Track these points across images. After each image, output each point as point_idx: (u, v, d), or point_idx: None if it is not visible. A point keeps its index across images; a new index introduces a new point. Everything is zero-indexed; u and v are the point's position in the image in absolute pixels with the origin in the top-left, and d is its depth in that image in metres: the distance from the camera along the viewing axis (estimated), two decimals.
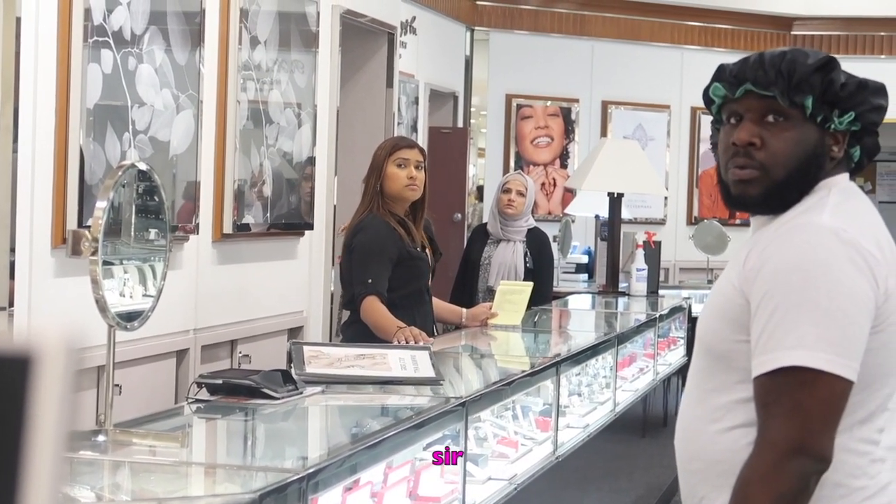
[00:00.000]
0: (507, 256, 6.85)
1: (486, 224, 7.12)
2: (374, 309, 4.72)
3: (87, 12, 4.54)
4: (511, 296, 5.54)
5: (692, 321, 7.72)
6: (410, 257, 4.90)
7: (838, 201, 2.25)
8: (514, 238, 6.87)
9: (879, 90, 2.31)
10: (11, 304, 4.21)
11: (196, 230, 5.39)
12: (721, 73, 2.32)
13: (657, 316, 6.81)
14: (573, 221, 9.81)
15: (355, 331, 4.81)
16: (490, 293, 6.77)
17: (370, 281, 4.76)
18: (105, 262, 2.85)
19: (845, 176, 2.33)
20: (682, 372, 7.33)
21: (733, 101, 2.30)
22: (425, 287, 5.05)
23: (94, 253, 2.81)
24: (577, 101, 12.06)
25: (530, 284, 5.73)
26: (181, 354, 5.34)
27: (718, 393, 2.26)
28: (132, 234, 3.02)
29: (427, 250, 5.05)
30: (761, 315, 2.15)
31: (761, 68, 2.26)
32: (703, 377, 2.31)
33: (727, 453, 2.22)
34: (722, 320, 2.25)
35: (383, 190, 4.94)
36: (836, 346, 2.11)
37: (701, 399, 2.30)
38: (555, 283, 9.12)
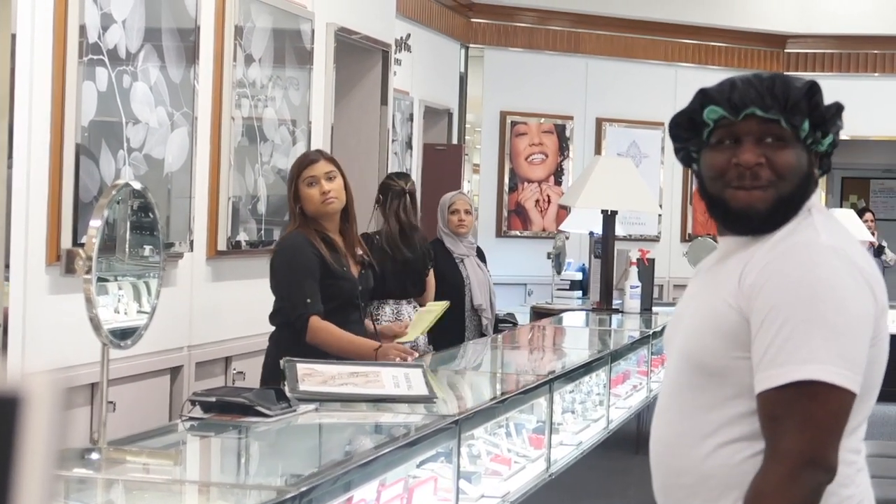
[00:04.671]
0: (480, 274, 7.00)
1: (442, 241, 7.07)
2: (323, 328, 4.60)
3: (83, 30, 4.55)
4: (424, 315, 5.37)
5: None
6: (331, 276, 4.71)
7: (823, 220, 2.30)
8: (470, 255, 6.99)
9: (841, 112, 2.36)
10: (5, 321, 4.21)
11: (190, 247, 5.39)
12: (711, 98, 2.32)
13: (651, 333, 6.81)
14: (567, 238, 9.82)
15: (279, 344, 4.67)
16: (475, 313, 6.87)
17: (309, 301, 4.62)
18: (99, 279, 2.85)
19: (818, 195, 2.38)
20: None
21: (732, 125, 2.30)
22: (351, 306, 4.82)
23: (89, 272, 2.81)
24: (571, 118, 12.09)
25: (446, 304, 5.54)
26: (175, 371, 5.34)
27: (711, 409, 2.28)
28: (126, 250, 3.03)
29: (354, 269, 4.83)
30: (767, 330, 2.18)
31: (769, 93, 2.28)
32: (691, 394, 2.32)
33: (722, 468, 2.24)
34: (715, 337, 2.27)
35: (304, 211, 4.76)
36: (845, 360, 2.16)
37: (688, 415, 2.32)
38: (549, 300, 9.16)
